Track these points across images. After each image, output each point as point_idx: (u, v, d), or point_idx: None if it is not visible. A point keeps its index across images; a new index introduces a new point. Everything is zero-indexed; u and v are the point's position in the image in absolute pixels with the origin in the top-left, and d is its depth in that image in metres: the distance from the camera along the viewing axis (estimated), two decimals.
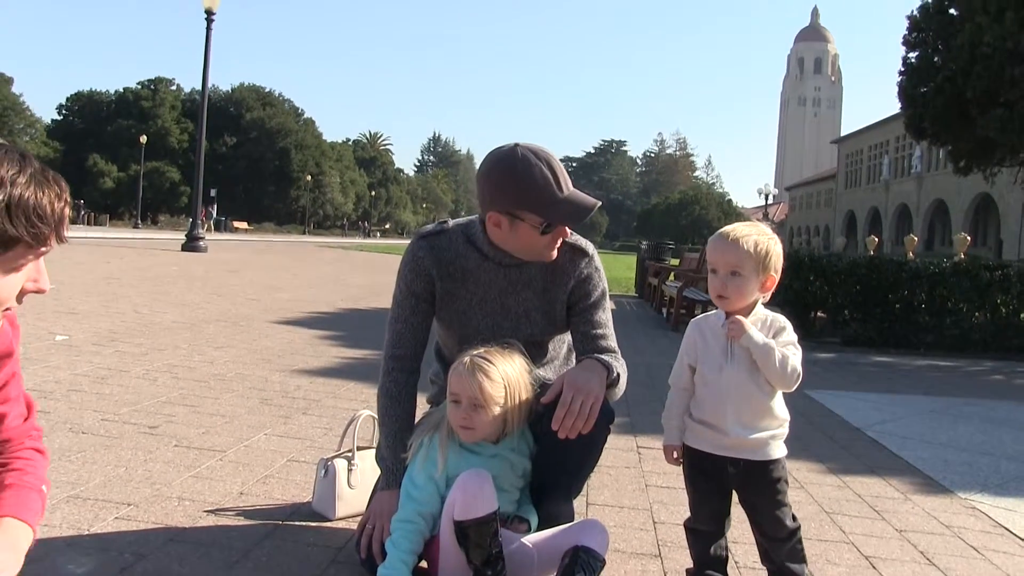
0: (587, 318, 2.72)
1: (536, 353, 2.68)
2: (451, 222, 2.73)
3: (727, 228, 2.38)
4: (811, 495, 3.81)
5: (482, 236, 2.61)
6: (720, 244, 2.35)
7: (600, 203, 2.60)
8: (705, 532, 2.43)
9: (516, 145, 2.51)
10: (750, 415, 2.33)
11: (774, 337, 2.33)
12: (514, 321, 2.69)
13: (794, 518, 2.41)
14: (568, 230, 2.60)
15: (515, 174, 2.45)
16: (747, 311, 2.35)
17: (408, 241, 2.82)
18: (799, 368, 2.31)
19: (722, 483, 2.39)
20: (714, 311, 2.42)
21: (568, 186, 2.51)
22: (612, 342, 2.74)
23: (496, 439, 2.42)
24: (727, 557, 2.46)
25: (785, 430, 2.40)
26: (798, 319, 10.47)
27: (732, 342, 2.32)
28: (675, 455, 2.45)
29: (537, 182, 2.45)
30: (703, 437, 2.38)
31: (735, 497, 2.45)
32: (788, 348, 2.31)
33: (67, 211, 1.66)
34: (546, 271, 2.67)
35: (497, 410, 2.36)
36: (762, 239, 2.32)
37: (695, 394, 2.41)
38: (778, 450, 2.37)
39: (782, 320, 2.37)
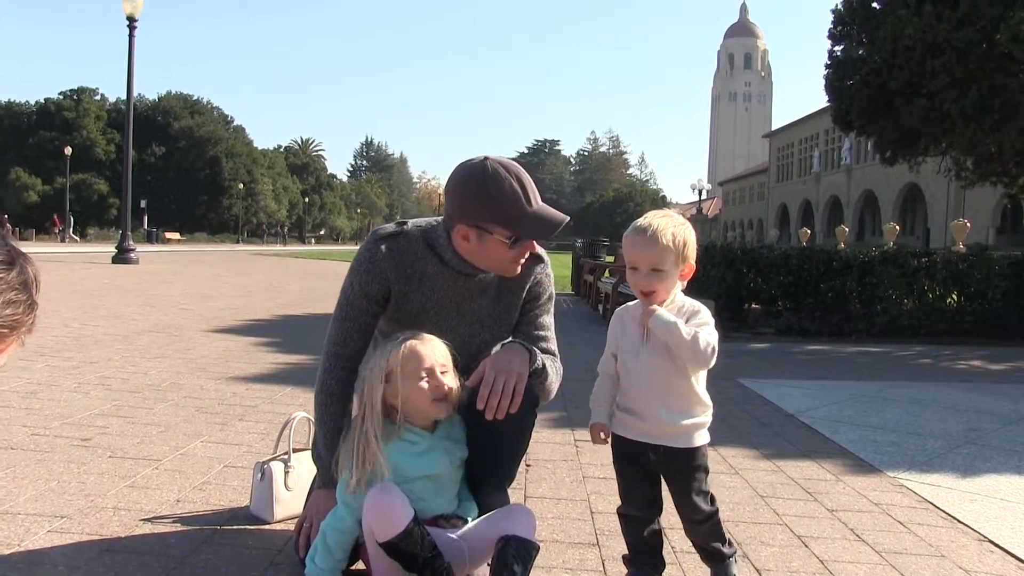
0: (532, 319, 2.75)
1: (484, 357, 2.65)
2: (410, 223, 2.69)
3: (642, 222, 2.37)
4: (746, 480, 3.88)
5: (445, 244, 2.58)
6: (639, 242, 2.34)
7: (569, 218, 2.58)
8: (636, 518, 2.46)
9: (486, 158, 2.49)
10: (670, 400, 2.36)
11: (687, 321, 2.34)
12: (468, 327, 2.69)
13: (712, 502, 2.44)
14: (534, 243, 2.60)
15: (484, 188, 2.44)
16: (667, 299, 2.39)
17: (339, 246, 2.75)
18: (712, 342, 2.30)
19: (647, 469, 2.42)
20: (637, 301, 2.44)
21: (537, 200, 2.50)
22: (552, 345, 2.77)
23: (432, 426, 2.42)
24: (662, 542, 2.50)
25: (708, 419, 2.42)
26: (733, 311, 10.67)
27: (648, 329, 2.34)
28: (602, 435, 2.46)
29: (507, 196, 2.44)
30: (627, 424, 2.41)
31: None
32: (702, 329, 2.33)
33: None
34: (502, 277, 2.66)
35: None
36: (678, 230, 2.34)
37: (620, 383, 2.44)
38: (700, 438, 2.40)
39: (697, 305, 2.40)
